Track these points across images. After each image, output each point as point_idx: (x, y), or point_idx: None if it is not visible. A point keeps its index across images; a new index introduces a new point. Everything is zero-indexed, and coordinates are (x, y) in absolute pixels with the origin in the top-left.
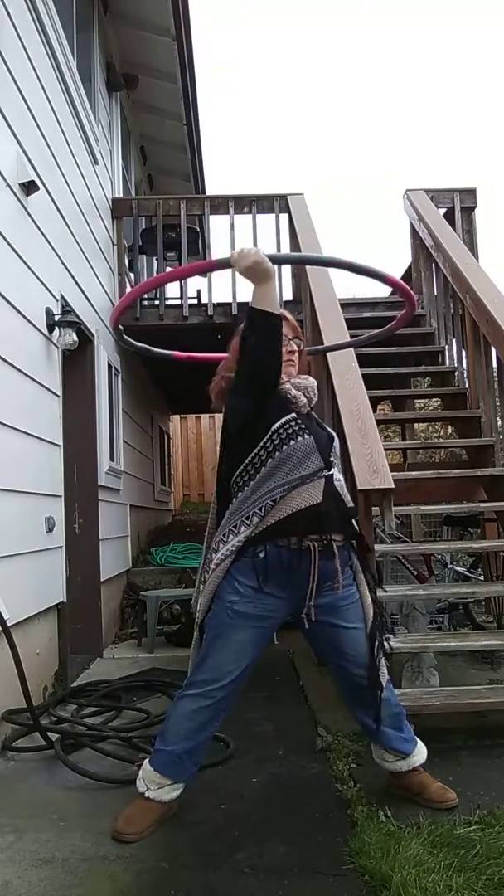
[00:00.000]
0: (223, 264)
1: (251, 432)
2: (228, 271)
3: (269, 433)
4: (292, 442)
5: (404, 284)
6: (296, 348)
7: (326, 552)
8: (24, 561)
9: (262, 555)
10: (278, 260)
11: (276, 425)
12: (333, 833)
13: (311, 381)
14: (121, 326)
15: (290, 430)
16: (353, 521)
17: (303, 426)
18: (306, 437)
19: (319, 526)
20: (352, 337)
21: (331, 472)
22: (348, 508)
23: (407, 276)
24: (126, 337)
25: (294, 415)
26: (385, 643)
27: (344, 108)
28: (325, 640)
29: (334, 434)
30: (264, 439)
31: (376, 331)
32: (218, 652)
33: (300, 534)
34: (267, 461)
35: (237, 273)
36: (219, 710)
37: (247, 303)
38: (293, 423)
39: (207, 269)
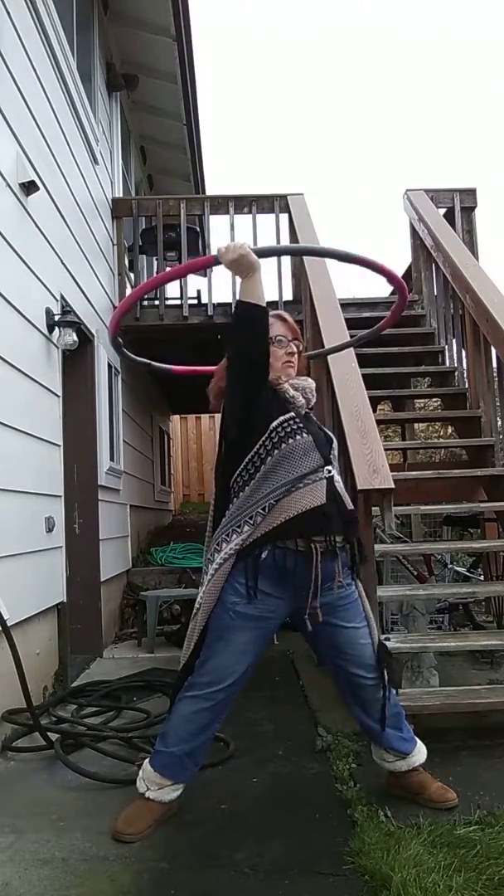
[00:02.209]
0: (211, 262)
1: (248, 430)
2: (229, 271)
3: (268, 432)
4: (291, 440)
5: (394, 273)
6: (295, 350)
7: (328, 553)
8: (24, 561)
9: (263, 556)
10: (264, 253)
11: (275, 423)
12: (333, 833)
13: (310, 383)
14: (120, 339)
15: (288, 429)
16: (354, 524)
17: (300, 425)
18: (304, 435)
19: (323, 528)
20: (352, 337)
21: (332, 472)
22: (349, 510)
23: (407, 276)
24: (125, 351)
25: (292, 414)
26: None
27: (344, 107)
28: (324, 640)
29: (333, 437)
30: (263, 438)
31: (366, 331)
32: (220, 654)
33: (304, 535)
34: (266, 459)
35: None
36: (219, 712)
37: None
38: (291, 422)
39: (198, 267)
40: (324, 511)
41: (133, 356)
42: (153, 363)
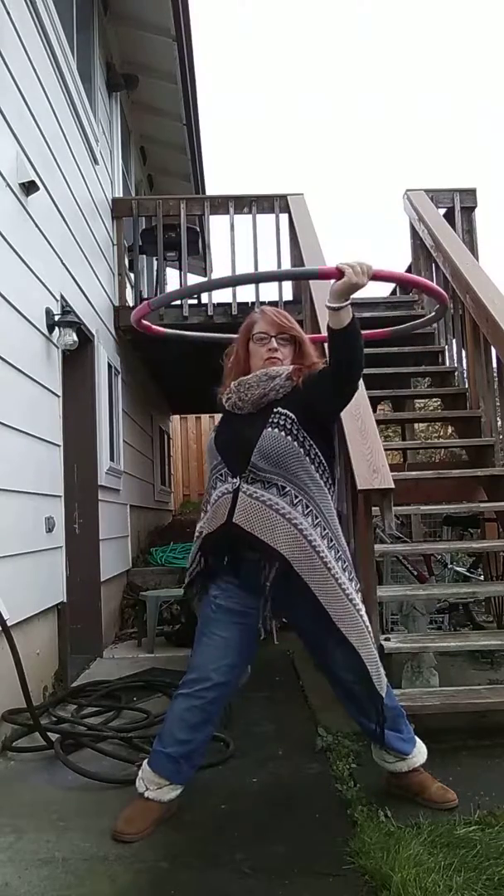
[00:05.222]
0: (336, 275)
1: None
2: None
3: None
4: (212, 455)
5: (433, 285)
6: (276, 346)
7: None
8: (24, 561)
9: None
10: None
11: (211, 438)
12: (333, 833)
13: (272, 370)
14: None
15: (212, 444)
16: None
17: (217, 426)
18: (211, 435)
19: (228, 548)
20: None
21: (237, 485)
22: (246, 533)
23: None
24: (155, 327)
25: (214, 433)
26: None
27: (344, 107)
28: (308, 643)
29: (287, 439)
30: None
31: (407, 324)
32: (203, 649)
33: (212, 554)
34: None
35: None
36: (210, 713)
37: (247, 303)
38: (217, 436)
39: (318, 277)
40: (218, 534)
41: (165, 329)
42: (187, 333)
